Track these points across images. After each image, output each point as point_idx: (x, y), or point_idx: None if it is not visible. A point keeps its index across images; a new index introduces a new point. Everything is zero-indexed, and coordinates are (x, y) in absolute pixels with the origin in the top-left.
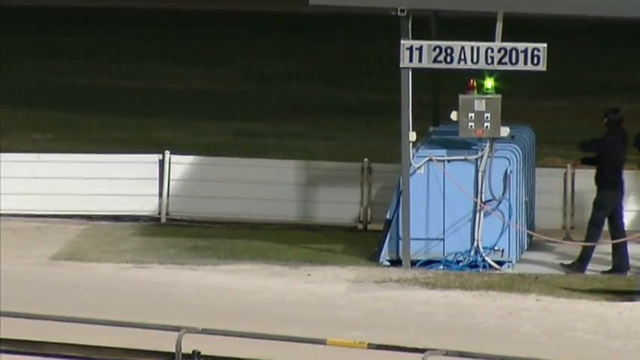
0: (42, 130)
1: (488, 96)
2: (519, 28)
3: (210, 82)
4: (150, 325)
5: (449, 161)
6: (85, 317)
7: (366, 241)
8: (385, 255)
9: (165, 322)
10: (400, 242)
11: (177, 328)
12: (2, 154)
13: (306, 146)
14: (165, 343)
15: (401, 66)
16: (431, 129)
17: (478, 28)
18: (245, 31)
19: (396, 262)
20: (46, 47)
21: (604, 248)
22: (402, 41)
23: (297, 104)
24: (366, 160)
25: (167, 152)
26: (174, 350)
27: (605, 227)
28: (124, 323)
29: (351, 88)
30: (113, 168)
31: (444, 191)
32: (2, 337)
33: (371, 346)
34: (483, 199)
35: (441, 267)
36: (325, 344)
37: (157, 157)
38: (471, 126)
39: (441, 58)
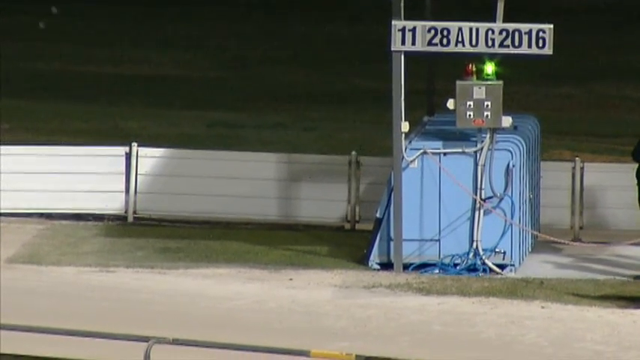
0: None
1: (489, 82)
2: (523, 7)
3: (182, 66)
4: (116, 335)
5: (445, 154)
6: (43, 326)
7: (353, 242)
8: (375, 258)
9: (133, 331)
10: (391, 243)
11: (145, 339)
12: None
13: (288, 138)
14: (132, 354)
15: (392, 49)
16: (425, 119)
17: (477, 7)
18: (220, 10)
19: (386, 266)
20: None
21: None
22: (393, 22)
23: (277, 92)
24: (353, 153)
25: (134, 144)
26: None
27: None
28: (87, 333)
29: (337, 74)
30: (75, 161)
31: (440, 187)
32: None
33: (359, 358)
34: (483, 196)
35: (437, 271)
36: (309, 356)
37: (123, 149)
38: (470, 115)
39: (437, 40)
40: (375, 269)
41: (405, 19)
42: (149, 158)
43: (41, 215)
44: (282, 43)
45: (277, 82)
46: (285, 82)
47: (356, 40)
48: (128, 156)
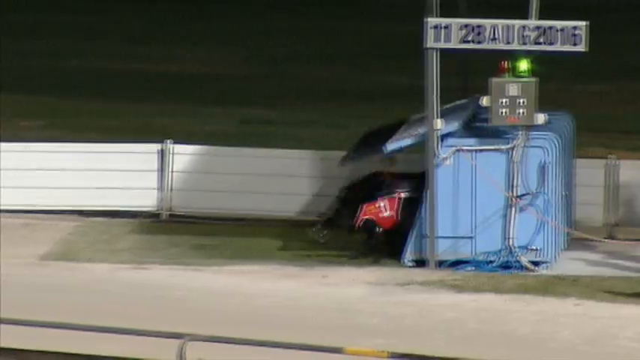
0: (30, 117)
1: (523, 79)
2: (558, 4)
3: (214, 64)
4: (150, 332)
5: (479, 151)
6: (77, 323)
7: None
8: (409, 255)
9: (167, 328)
10: (425, 241)
11: (179, 336)
12: None
13: (318, 135)
14: (166, 351)
15: (426, 46)
16: None
17: (512, 4)
18: (251, 8)
19: (420, 263)
20: (34, 26)
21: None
22: (427, 19)
23: (307, 89)
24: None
25: (168, 141)
26: None
27: None
28: (121, 330)
29: (369, 71)
30: (109, 159)
31: (474, 185)
32: None
33: (393, 355)
34: (517, 194)
35: (471, 268)
36: (343, 353)
37: (157, 146)
38: (504, 112)
39: (471, 37)
40: (409, 266)
41: (439, 16)
42: (183, 155)
43: (75, 212)
44: (313, 40)
45: (309, 79)
46: (317, 80)
47: (389, 37)
48: (162, 153)
